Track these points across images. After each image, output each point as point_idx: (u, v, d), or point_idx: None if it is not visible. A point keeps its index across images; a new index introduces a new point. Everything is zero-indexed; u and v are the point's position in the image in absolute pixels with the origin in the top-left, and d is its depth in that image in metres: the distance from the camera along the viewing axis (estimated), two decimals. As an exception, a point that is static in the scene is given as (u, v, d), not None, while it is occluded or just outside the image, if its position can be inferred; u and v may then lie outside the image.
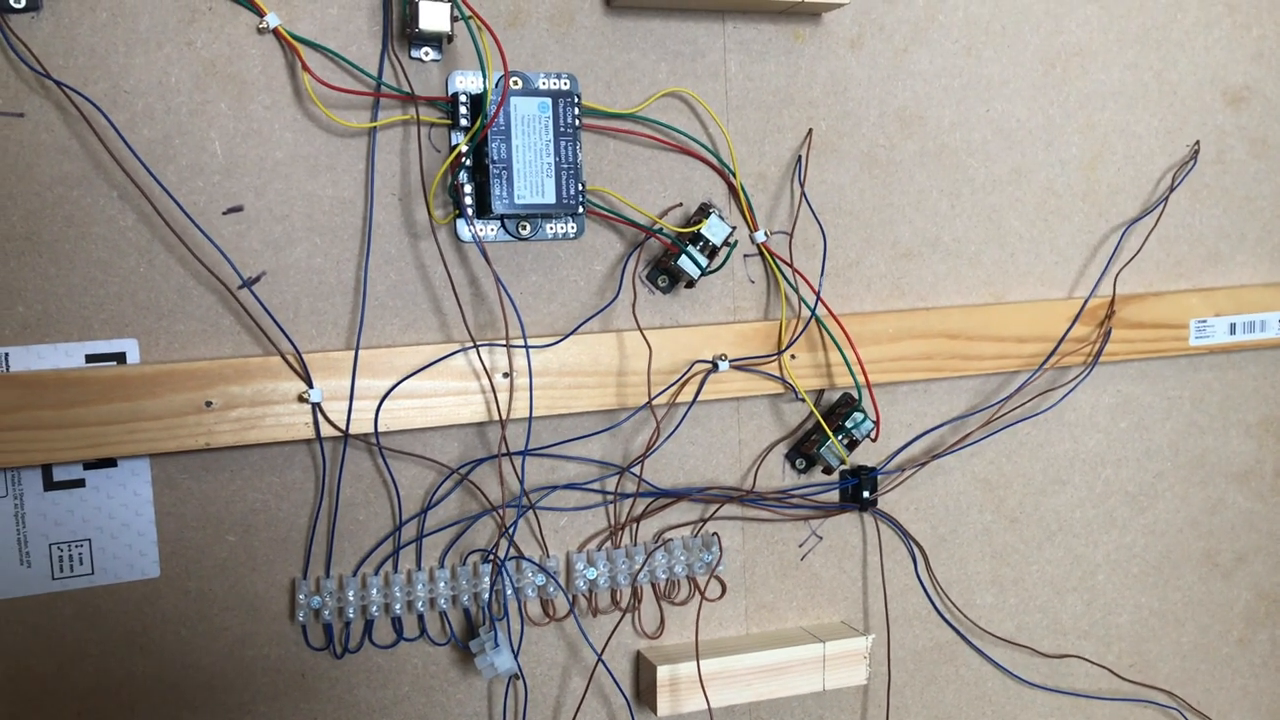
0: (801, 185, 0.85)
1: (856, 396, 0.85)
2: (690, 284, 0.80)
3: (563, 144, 0.75)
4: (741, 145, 0.83)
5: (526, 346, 0.76)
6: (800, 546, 0.88)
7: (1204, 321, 0.97)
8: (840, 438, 0.83)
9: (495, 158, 0.73)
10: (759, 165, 0.84)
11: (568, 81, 0.77)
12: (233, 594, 0.73)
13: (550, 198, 0.74)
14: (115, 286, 0.69)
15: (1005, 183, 0.91)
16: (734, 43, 0.82)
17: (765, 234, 0.83)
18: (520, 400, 0.76)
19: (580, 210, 0.76)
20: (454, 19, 0.71)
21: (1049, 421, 0.95)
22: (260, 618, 0.74)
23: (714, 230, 0.79)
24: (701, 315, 0.83)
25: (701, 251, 0.79)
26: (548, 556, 0.80)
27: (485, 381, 0.75)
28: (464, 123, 0.74)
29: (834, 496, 0.88)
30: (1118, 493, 0.99)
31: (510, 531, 0.78)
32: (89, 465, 0.70)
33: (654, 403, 0.79)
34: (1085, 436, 0.97)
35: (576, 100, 0.75)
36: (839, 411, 0.85)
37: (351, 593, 0.75)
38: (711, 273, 0.80)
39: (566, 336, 0.77)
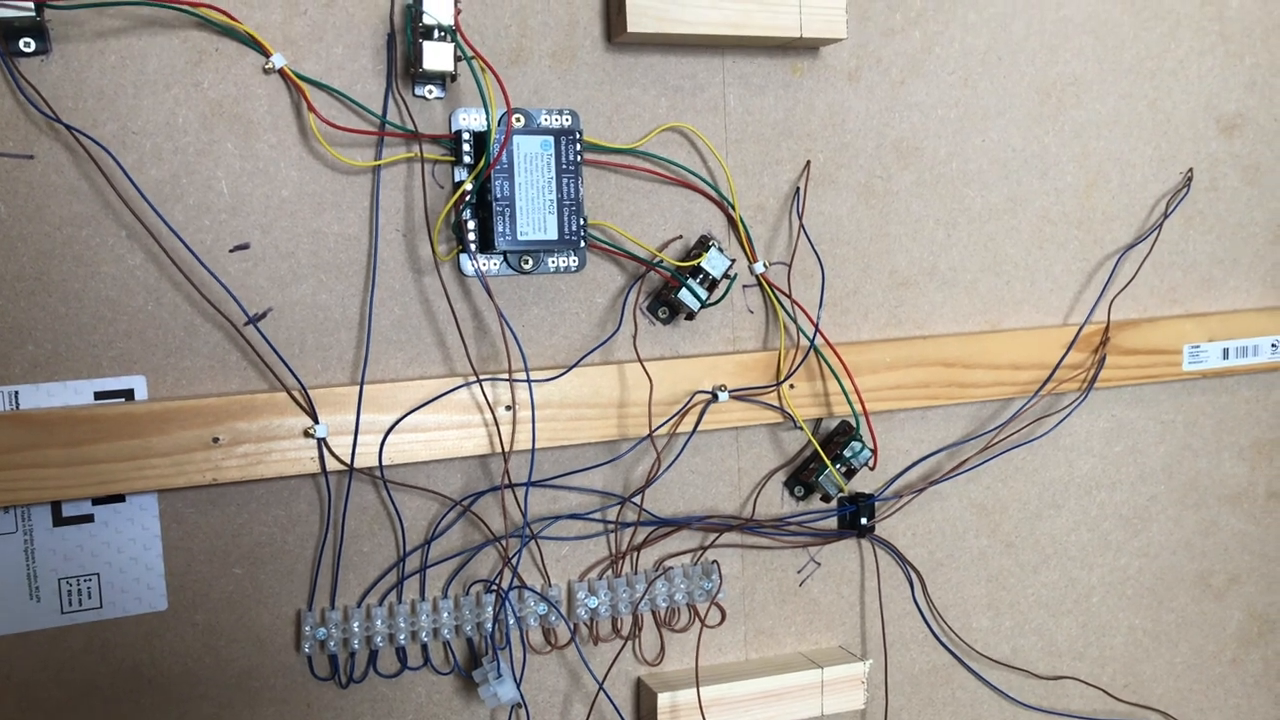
0: (800, 216, 0.86)
1: (854, 425, 0.86)
2: (690, 316, 0.81)
3: (565, 180, 0.76)
4: (740, 178, 0.84)
5: (529, 380, 0.77)
6: (799, 573, 0.89)
7: (1197, 347, 0.98)
8: (838, 466, 0.85)
9: (498, 195, 0.74)
10: (758, 197, 0.85)
11: (569, 118, 0.78)
12: (239, 626, 0.74)
13: (552, 234, 0.75)
14: (124, 324, 0.70)
15: (1001, 211, 0.93)
16: (733, 77, 0.83)
17: (764, 265, 0.84)
18: (523, 432, 0.77)
19: (582, 245, 0.77)
20: (457, 59, 0.72)
21: (1044, 447, 0.96)
22: (266, 649, 0.75)
23: (714, 263, 0.80)
24: (701, 346, 0.84)
25: (701, 284, 0.80)
26: (550, 586, 0.81)
27: (488, 414, 0.76)
28: (467, 159, 0.75)
29: (832, 523, 0.89)
30: (1112, 516, 1.00)
31: (513, 561, 0.79)
32: (97, 501, 0.70)
33: (655, 434, 0.80)
34: (1080, 461, 0.98)
35: (578, 137, 0.76)
36: (837, 440, 0.86)
37: (356, 623, 0.76)
38: (711, 305, 0.81)
39: (569, 369, 0.78)
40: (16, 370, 0.68)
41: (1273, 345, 1.00)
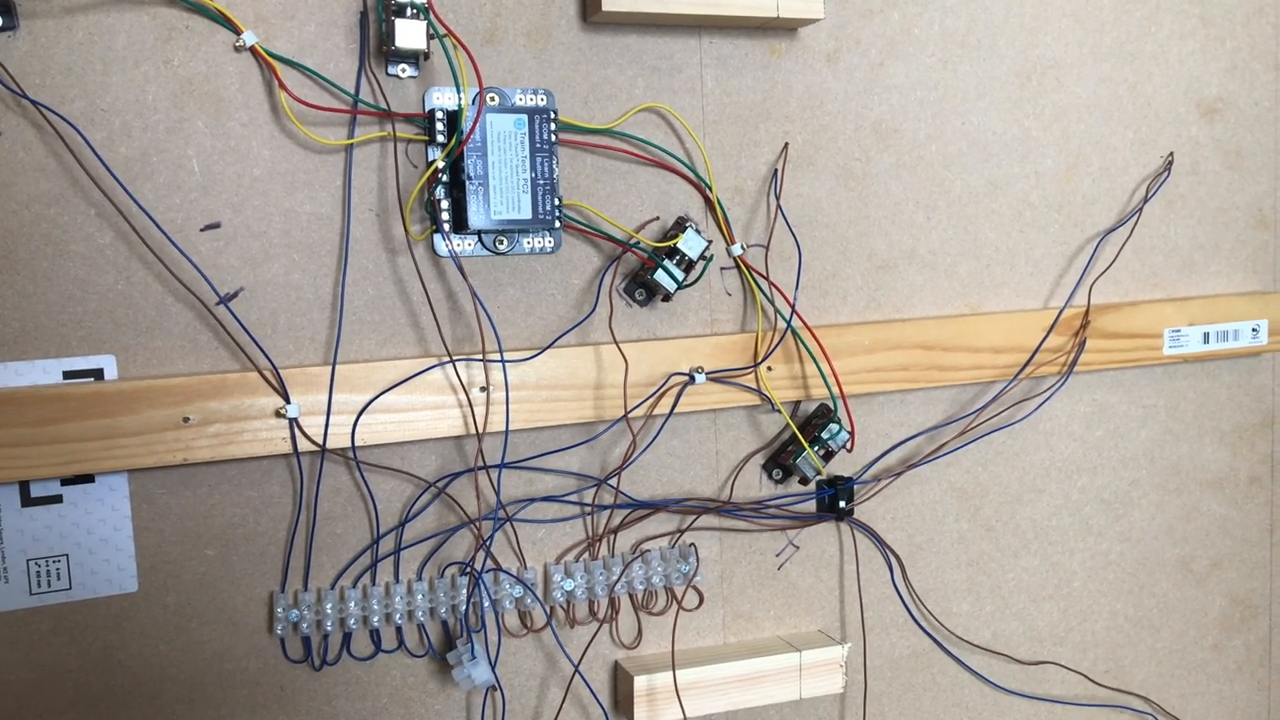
0: (778, 198, 0.85)
1: (832, 407, 0.85)
2: (667, 297, 0.81)
3: (539, 160, 0.75)
4: (718, 159, 0.84)
5: (503, 360, 0.76)
6: (777, 556, 0.89)
7: (1178, 331, 0.98)
8: (816, 448, 0.84)
9: (472, 174, 0.73)
10: (735, 179, 0.84)
11: (545, 97, 0.78)
12: (211, 608, 0.74)
13: (526, 213, 0.75)
14: (93, 303, 0.69)
15: (981, 195, 0.92)
16: (710, 58, 0.83)
17: (742, 247, 0.84)
18: (497, 414, 0.76)
19: (557, 225, 0.76)
20: (430, 37, 0.72)
21: (1025, 431, 0.96)
22: (239, 631, 0.75)
23: (690, 244, 0.79)
24: (678, 328, 0.83)
25: (678, 265, 0.79)
26: (525, 568, 0.81)
27: (462, 395, 0.76)
28: (440, 139, 0.74)
29: (811, 506, 0.89)
30: (1093, 500, 1.00)
31: (487, 544, 0.79)
32: (66, 481, 0.70)
33: (631, 415, 0.80)
34: (1061, 445, 0.98)
35: (553, 116, 0.76)
36: (815, 422, 0.86)
37: (330, 605, 0.75)
38: (688, 286, 0.81)
39: (543, 350, 0.77)
40: (-16, 349, 0.68)
41: (1253, 330, 1.00)
